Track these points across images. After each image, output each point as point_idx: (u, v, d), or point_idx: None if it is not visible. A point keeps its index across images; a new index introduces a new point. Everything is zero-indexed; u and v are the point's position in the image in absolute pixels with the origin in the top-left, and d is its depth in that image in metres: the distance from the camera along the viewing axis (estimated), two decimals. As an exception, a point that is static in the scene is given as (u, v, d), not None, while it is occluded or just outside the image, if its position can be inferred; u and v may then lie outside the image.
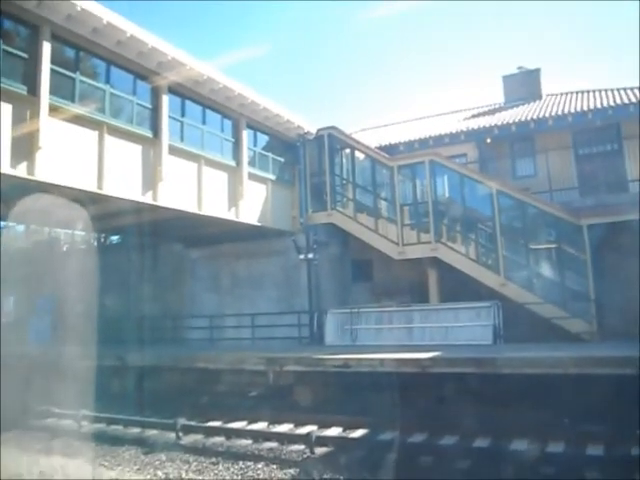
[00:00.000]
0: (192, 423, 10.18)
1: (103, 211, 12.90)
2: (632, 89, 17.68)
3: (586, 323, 13.32)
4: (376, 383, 10.67)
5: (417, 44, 64.32)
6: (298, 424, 10.16)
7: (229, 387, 12.59)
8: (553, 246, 14.70)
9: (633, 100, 16.31)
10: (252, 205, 15.45)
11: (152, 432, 10.09)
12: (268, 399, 11.91)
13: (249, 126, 15.61)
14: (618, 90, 18.04)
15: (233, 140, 15.11)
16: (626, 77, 53.72)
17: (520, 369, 10.08)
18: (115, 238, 20.36)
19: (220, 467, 7.94)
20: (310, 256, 16.39)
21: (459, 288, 14.95)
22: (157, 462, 8.21)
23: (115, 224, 15.22)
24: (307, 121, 17.06)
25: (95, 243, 20.77)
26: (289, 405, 11.41)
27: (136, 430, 10.32)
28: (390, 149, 18.49)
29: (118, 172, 11.52)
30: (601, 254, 13.71)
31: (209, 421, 10.58)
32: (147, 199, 12.30)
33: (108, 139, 11.37)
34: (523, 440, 8.44)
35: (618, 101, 16.62)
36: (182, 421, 9.81)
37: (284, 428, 10.04)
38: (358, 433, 9.45)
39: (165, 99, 12.75)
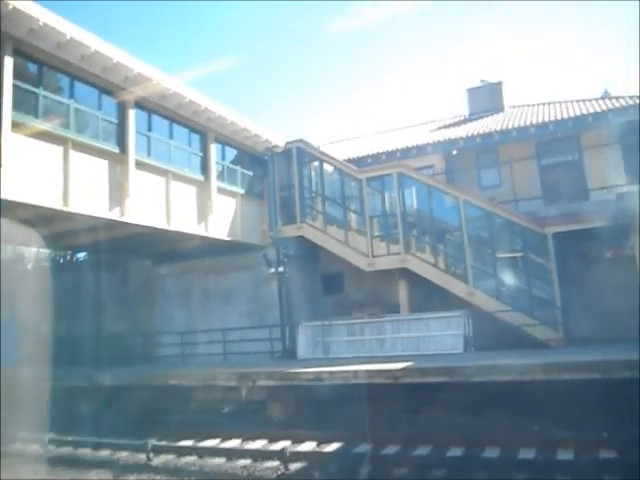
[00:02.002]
0: (163, 443, 10.00)
1: (69, 228, 12.63)
2: (590, 100, 18.30)
3: (553, 330, 13.60)
4: (350, 395, 10.67)
5: (385, 57, 65.33)
6: (272, 440, 10.08)
7: (201, 404, 12.39)
8: (519, 255, 14.98)
9: (591, 111, 16.87)
10: (221, 219, 15.37)
11: (122, 454, 9.86)
12: (241, 415, 11.80)
13: (217, 140, 15.56)
14: (577, 102, 18.63)
15: (201, 154, 15.04)
16: (586, 88, 55.47)
17: (490, 377, 10.21)
18: (82, 255, 19.94)
19: (192, 487, 7.82)
20: (281, 270, 16.35)
21: (429, 298, 15.12)
22: (127, 485, 8.04)
23: (82, 241, 14.90)
24: (275, 134, 17.09)
25: (61, 261, 20.32)
26: (263, 421, 11.33)
27: (106, 453, 10.08)
28: (359, 161, 18.66)
29: (84, 188, 11.33)
30: (565, 262, 14.06)
31: (181, 440, 10.40)
32: (114, 215, 12.12)
33: (73, 155, 11.18)
34: (495, 448, 8.55)
35: (577, 112, 17.16)
36: (153, 442, 9.62)
37: (258, 445, 9.94)
38: (332, 447, 9.42)
39: (132, 114, 12.63)
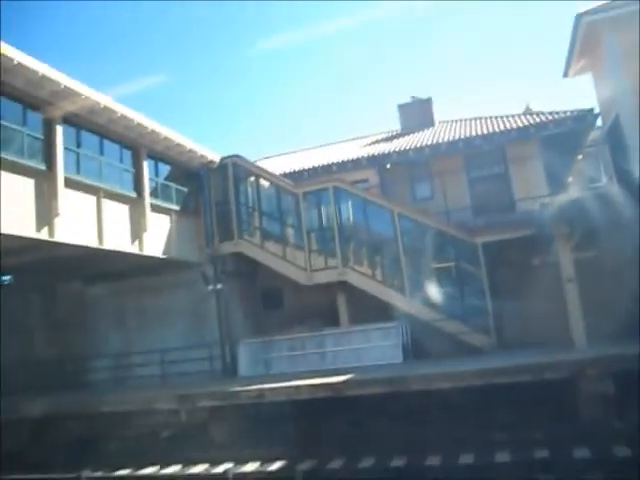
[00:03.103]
0: (98, 474, 9.57)
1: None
2: (514, 116, 19.27)
3: (486, 336, 14.09)
4: (293, 411, 10.63)
5: (319, 73, 66.20)
6: (214, 463, 9.86)
7: (139, 430, 11.96)
8: (452, 264, 15.48)
9: (514, 126, 17.77)
10: (156, 237, 14.98)
11: (54, 489, 9.36)
12: (182, 439, 11.47)
13: (150, 156, 15.19)
14: (502, 117, 19.55)
15: (133, 171, 14.64)
16: (511, 104, 58.39)
17: (429, 385, 10.46)
18: (7, 278, 18.79)
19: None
20: (219, 287, 16.12)
21: (369, 310, 15.32)
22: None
23: (7, 263, 14.10)
24: (210, 150, 16.90)
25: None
26: (204, 443, 11.06)
27: (35, 489, 9.53)
28: (295, 176, 18.74)
29: (9, 208, 10.72)
30: (495, 270, 14.63)
31: (118, 470, 9.99)
32: (43, 235, 11.55)
33: (-4, 174, 10.61)
34: (437, 455, 8.74)
35: (502, 127, 18.01)
36: (87, 473, 9.17)
37: (199, 469, 9.71)
38: (276, 465, 9.34)
39: (59, 130, 12.12)
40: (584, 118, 16.80)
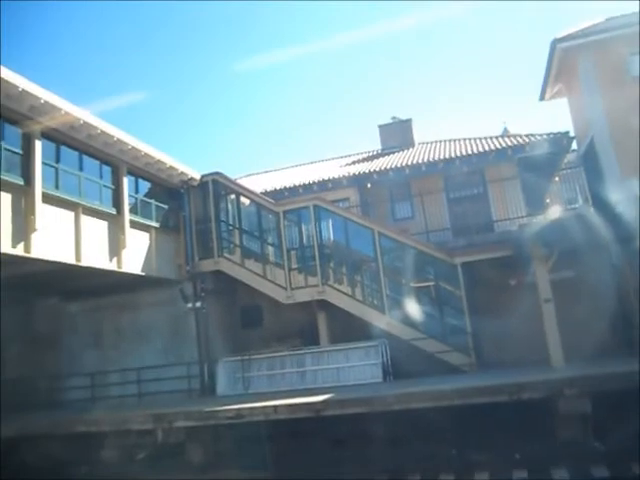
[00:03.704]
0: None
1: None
2: (492, 138, 19.64)
3: (465, 355, 14.13)
4: (271, 431, 10.50)
5: (302, 91, 66.75)
6: (191, 484, 9.68)
7: (114, 451, 11.68)
8: (432, 284, 15.57)
9: (493, 148, 18.09)
10: (135, 254, 14.81)
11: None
12: (157, 460, 11.23)
13: (130, 172, 15.09)
14: (480, 139, 19.91)
15: (113, 187, 14.50)
16: (489, 126, 59.51)
17: (408, 404, 10.42)
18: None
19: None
20: (198, 305, 15.96)
21: (349, 329, 15.29)
22: None
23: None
24: (191, 168, 16.86)
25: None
26: (181, 465, 10.85)
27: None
28: (275, 194, 18.78)
29: (-17, 223, 10.56)
30: (474, 290, 14.76)
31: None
32: (18, 251, 11.34)
33: (-29, 188, 10.44)
34: (415, 475, 8.70)
35: (481, 149, 18.33)
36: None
37: (176, 490, 9.51)
38: (255, 487, 9.20)
39: (38, 144, 11.98)
40: (560, 141, 17.20)
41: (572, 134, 17.10)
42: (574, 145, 17.34)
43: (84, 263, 12.99)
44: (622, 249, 12.30)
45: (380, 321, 14.90)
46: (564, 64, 15.28)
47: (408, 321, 14.76)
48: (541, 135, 17.81)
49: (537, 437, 9.36)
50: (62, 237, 12.55)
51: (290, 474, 9.09)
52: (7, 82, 10.77)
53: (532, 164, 17.00)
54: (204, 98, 66.54)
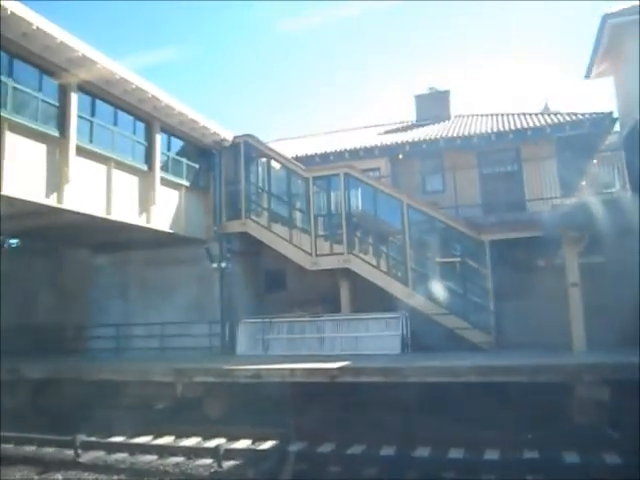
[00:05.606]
0: (93, 439, 9.71)
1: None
2: (531, 115, 19.06)
3: (485, 333, 14.07)
4: (287, 393, 10.69)
5: (336, 58, 65.63)
6: (206, 437, 9.98)
7: (135, 400, 12.10)
8: (457, 260, 15.41)
9: (531, 125, 17.59)
10: (164, 211, 15.01)
11: (48, 450, 9.53)
12: (176, 412, 11.61)
13: (163, 130, 15.18)
14: (519, 115, 19.36)
15: (146, 143, 14.62)
16: (529, 101, 57.81)
17: (424, 378, 10.47)
18: (14, 242, 18.94)
19: (122, 485, 7.64)
20: (223, 265, 16.18)
21: (370, 299, 15.34)
22: (52, 482, 7.76)
23: (14, 227, 14.21)
24: (224, 128, 16.85)
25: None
26: (197, 418, 11.18)
27: (30, 449, 9.69)
28: (306, 160, 18.69)
29: (19, 172, 10.78)
30: (501, 268, 14.55)
31: (112, 436, 10.14)
32: (51, 201, 11.61)
33: (9, 136, 10.60)
34: (426, 447, 8.79)
35: (518, 126, 17.84)
36: (82, 437, 9.33)
37: (191, 442, 9.82)
38: (267, 445, 9.44)
39: (74, 97, 12.12)
40: (602, 122, 16.61)
41: (616, 115, 16.48)
42: (617, 127, 16.73)
43: (114, 217, 13.24)
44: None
45: (403, 294, 14.90)
46: (612, 42, 14.61)
47: (431, 296, 14.72)
48: (583, 114, 17.22)
49: (552, 420, 9.33)
50: (94, 190, 12.79)
51: (300, 435, 9.27)
52: (45, 33, 10.85)
53: (571, 144, 16.50)
54: (239, 60, 66.02)
